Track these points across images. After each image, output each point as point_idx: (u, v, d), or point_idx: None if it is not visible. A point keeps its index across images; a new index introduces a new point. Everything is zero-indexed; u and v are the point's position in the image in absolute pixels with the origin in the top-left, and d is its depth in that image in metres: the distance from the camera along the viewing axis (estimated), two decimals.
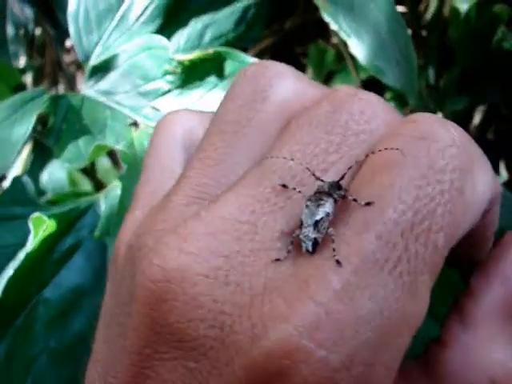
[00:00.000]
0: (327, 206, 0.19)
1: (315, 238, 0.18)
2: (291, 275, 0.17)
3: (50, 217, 0.38)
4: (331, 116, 0.20)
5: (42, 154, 0.67)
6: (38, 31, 0.76)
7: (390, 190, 0.18)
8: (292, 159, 0.19)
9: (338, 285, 0.16)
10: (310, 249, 0.18)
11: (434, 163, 0.18)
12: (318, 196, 0.19)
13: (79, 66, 0.86)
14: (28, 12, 0.75)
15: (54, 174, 0.70)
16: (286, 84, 0.22)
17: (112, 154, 0.69)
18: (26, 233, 0.37)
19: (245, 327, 0.16)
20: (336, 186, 0.19)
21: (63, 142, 0.48)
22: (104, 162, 0.72)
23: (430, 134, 0.19)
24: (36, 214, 0.37)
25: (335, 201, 0.19)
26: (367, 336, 0.16)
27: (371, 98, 0.21)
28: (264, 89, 0.22)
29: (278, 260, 0.18)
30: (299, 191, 0.19)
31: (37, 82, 0.76)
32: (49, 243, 0.40)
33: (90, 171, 0.72)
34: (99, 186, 0.70)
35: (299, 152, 0.20)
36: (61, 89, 0.77)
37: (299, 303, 0.16)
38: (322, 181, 0.19)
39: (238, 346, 0.16)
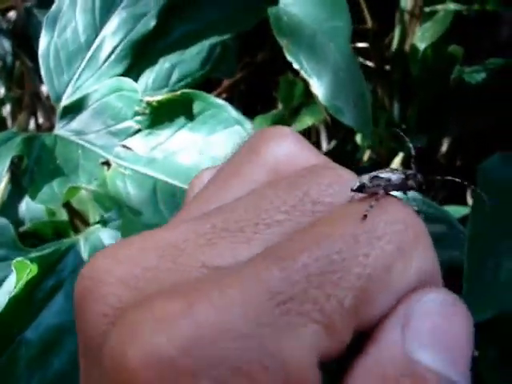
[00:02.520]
0: None
1: None
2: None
3: (31, 260, 0.40)
4: (298, 180, 0.21)
5: (19, 185, 0.68)
6: (16, 63, 0.77)
7: (315, 234, 0.18)
8: (246, 208, 0.20)
9: (218, 300, 0.17)
10: None
11: (373, 228, 0.18)
12: None
13: None
14: (6, 44, 0.77)
15: (32, 204, 0.71)
16: (281, 145, 0.22)
17: None
18: (6, 275, 0.39)
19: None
20: None
21: (38, 184, 0.50)
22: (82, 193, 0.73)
23: (383, 205, 0.19)
24: (19, 259, 0.38)
25: None
26: (226, 350, 0.16)
27: (346, 175, 0.21)
28: (258, 145, 0.22)
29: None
30: (236, 236, 0.20)
31: (15, 113, 0.77)
32: (31, 286, 0.41)
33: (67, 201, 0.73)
34: (76, 215, 0.71)
35: (254, 202, 0.21)
36: (39, 120, 0.78)
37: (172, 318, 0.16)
38: None
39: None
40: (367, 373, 0.17)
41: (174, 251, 0.19)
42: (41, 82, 0.79)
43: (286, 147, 0.22)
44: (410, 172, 0.21)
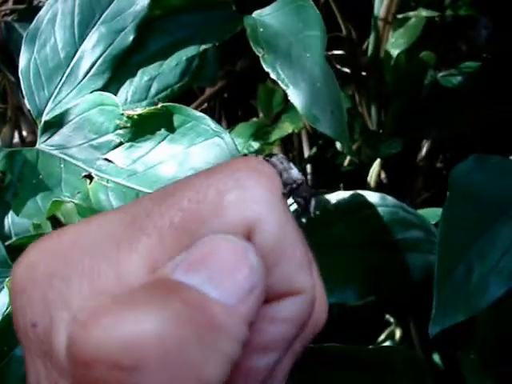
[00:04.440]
0: None
1: None
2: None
3: None
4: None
5: (3, 199, 0.68)
6: None
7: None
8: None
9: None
10: None
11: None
12: None
13: None
14: None
15: (17, 218, 0.71)
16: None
17: None
18: None
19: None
20: None
21: (21, 198, 0.50)
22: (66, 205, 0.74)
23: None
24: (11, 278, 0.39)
25: None
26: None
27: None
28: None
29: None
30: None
31: None
32: None
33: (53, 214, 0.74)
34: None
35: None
36: (23, 133, 0.78)
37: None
38: None
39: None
40: None
41: (95, 248, 0.20)
42: (24, 95, 0.80)
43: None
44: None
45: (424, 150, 0.64)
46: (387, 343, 0.71)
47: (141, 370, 0.16)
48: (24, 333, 0.19)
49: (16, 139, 0.80)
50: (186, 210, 0.19)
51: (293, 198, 0.21)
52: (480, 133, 0.66)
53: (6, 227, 0.72)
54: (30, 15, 0.64)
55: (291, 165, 0.21)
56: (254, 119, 0.68)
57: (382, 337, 0.71)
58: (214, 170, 0.20)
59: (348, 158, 0.64)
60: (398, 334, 0.71)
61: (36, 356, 0.19)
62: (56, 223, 0.73)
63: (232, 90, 0.73)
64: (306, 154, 0.69)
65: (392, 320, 0.70)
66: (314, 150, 0.66)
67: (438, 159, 0.68)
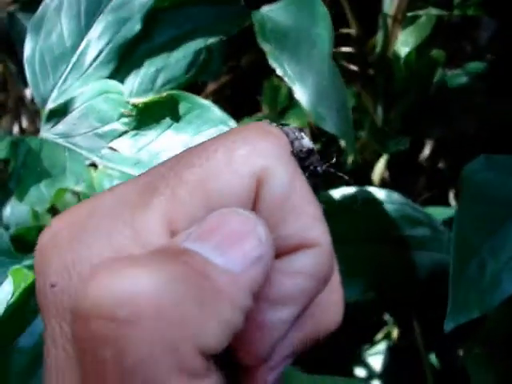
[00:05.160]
0: None
1: None
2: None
3: (28, 268, 0.40)
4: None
5: (3, 189, 0.68)
6: None
7: None
8: None
9: None
10: None
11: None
12: None
13: None
14: None
15: (17, 208, 0.71)
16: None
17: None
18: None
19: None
20: None
21: (25, 186, 0.50)
22: (67, 196, 0.73)
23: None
24: (16, 267, 0.38)
25: None
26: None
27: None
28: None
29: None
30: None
31: None
32: (26, 294, 0.41)
33: (52, 205, 0.73)
34: None
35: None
36: (24, 124, 0.78)
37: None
38: None
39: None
40: None
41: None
42: (25, 86, 0.79)
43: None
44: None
45: (427, 150, 0.64)
46: (384, 343, 0.71)
47: (136, 324, 0.16)
48: (43, 294, 0.19)
49: (16, 130, 0.80)
50: (197, 167, 0.20)
51: (303, 166, 0.21)
52: (484, 133, 0.66)
53: (5, 219, 0.71)
54: (32, 5, 0.64)
55: (303, 134, 0.22)
56: (259, 114, 0.68)
57: (379, 336, 0.71)
58: (224, 133, 0.21)
59: (351, 156, 0.64)
60: (395, 333, 0.71)
61: (52, 316, 0.19)
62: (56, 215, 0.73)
63: (236, 85, 0.73)
64: None
65: (388, 319, 0.70)
66: (318, 147, 0.65)
67: (440, 159, 0.68)
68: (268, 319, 0.19)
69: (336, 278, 0.22)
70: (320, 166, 0.22)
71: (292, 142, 0.21)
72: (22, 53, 0.74)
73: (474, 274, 0.39)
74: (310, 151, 0.22)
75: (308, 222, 0.19)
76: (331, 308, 0.21)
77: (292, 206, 0.19)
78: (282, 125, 0.22)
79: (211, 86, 0.71)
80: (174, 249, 0.18)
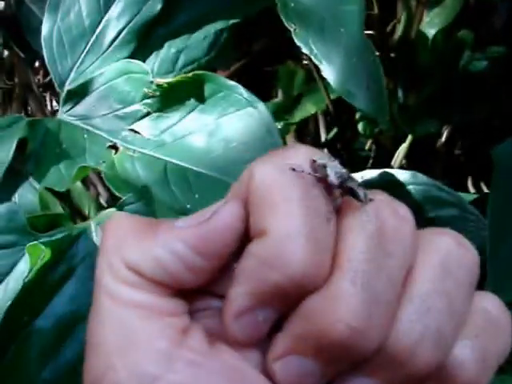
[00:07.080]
0: None
1: None
2: None
3: (45, 245, 0.39)
4: None
5: (12, 177, 0.67)
6: (5, 53, 0.76)
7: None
8: None
9: None
10: None
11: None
12: None
13: (47, 87, 0.86)
14: None
15: (26, 196, 0.70)
16: None
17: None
18: (16, 260, 0.38)
19: None
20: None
21: (44, 167, 0.49)
22: (76, 185, 0.72)
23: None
24: (32, 243, 0.37)
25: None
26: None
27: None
28: None
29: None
30: None
31: (5, 104, 0.76)
32: (43, 271, 0.40)
33: (61, 194, 0.72)
34: (71, 208, 0.69)
35: None
36: (30, 110, 0.76)
37: None
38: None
39: None
40: None
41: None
42: (32, 72, 0.78)
43: None
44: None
45: (444, 136, 0.63)
46: None
47: None
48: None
49: None
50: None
51: (344, 191, 0.22)
52: (497, 120, 0.65)
53: None
54: None
55: (337, 162, 0.22)
56: (274, 100, 0.67)
57: None
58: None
59: (369, 142, 0.64)
60: None
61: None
62: (67, 204, 0.72)
63: (246, 71, 0.72)
64: (323, 137, 0.69)
65: None
66: (332, 133, 0.65)
67: (456, 146, 0.68)
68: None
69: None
70: (355, 184, 0.22)
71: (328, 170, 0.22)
72: (29, 37, 0.73)
73: (510, 254, 0.38)
74: (346, 177, 0.22)
75: (264, 212, 0.21)
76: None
77: (259, 198, 0.22)
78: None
79: (222, 74, 0.70)
80: None
